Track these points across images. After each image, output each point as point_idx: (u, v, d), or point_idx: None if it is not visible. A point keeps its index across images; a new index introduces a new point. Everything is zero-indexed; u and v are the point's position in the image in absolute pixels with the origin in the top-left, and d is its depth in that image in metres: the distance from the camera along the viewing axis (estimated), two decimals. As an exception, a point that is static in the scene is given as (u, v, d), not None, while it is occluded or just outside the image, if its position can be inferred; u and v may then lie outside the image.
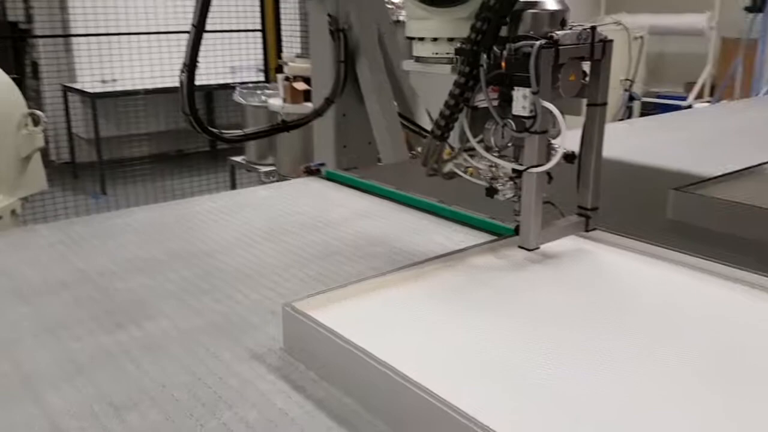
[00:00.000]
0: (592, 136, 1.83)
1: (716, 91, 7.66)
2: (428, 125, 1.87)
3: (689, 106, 7.29)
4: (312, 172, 3.02)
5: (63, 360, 1.46)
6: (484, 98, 1.69)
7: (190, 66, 2.83)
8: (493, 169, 1.75)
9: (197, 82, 2.86)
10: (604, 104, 1.83)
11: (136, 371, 1.42)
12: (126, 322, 1.63)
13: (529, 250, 1.73)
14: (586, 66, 1.77)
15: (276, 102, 5.14)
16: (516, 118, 1.66)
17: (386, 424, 1.21)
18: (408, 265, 1.69)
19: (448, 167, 1.83)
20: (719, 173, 2.42)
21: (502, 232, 2.12)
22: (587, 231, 1.87)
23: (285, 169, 4.63)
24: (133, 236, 2.25)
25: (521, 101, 1.64)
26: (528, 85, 1.56)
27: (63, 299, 1.76)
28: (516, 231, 1.80)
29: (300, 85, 4.77)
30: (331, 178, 2.94)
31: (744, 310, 1.47)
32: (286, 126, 3.50)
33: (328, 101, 3.49)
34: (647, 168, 3.02)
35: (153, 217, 2.48)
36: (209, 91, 8.74)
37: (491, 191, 1.75)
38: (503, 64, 1.66)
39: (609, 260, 1.80)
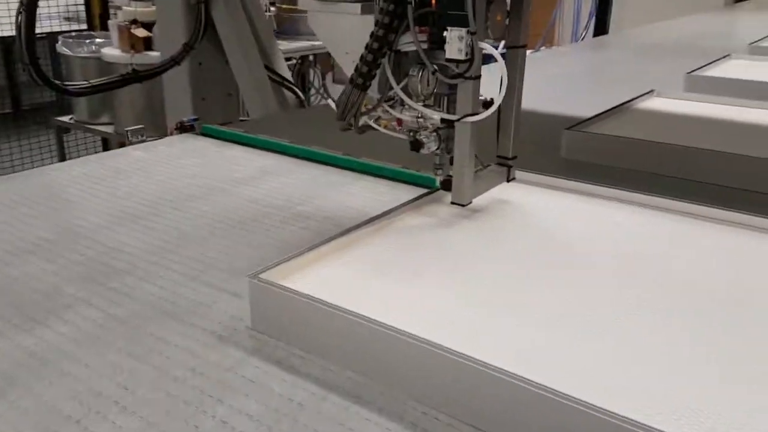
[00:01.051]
0: (513, 81, 1.80)
1: (538, 40, 8.17)
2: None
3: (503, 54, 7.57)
4: (186, 128, 2.74)
5: (-22, 373, 1.18)
6: (412, 40, 1.60)
7: (30, 4, 2.41)
8: (420, 120, 1.67)
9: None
10: (525, 47, 1.81)
11: (85, 372, 1.19)
12: (42, 316, 1.36)
13: (462, 205, 1.67)
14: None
15: (112, 52, 4.56)
16: (449, 62, 1.59)
17: (407, 393, 1.12)
18: (362, 223, 1.58)
19: (363, 120, 1.69)
20: (588, 115, 2.52)
21: (420, 183, 2.07)
22: (509, 181, 1.85)
23: (125, 127, 4.15)
24: (-1, 213, 1.90)
25: (456, 43, 1.54)
26: (464, 25, 1.46)
27: (-57, 298, 1.43)
28: (444, 186, 1.74)
29: (140, 32, 4.27)
30: (209, 134, 2.69)
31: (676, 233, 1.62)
32: (138, 76, 3.14)
33: (187, 47, 3.18)
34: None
35: (11, 189, 2.10)
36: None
37: (416, 144, 1.64)
38: (433, 1, 1.58)
39: (536, 200, 1.83)
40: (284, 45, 4.74)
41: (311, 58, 5.66)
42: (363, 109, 1.65)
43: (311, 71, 5.73)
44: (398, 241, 1.56)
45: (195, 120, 2.76)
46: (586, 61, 4.82)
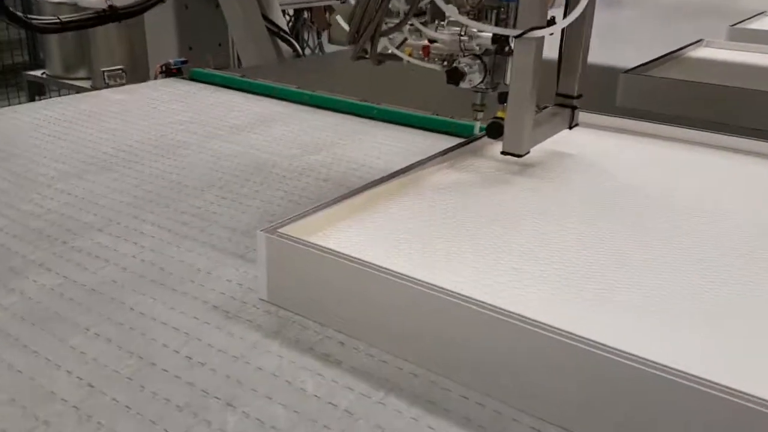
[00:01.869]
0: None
1: None
2: None
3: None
4: (172, 72, 2.36)
5: None
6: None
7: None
8: (464, 39, 1.25)
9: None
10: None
11: (33, 363, 0.84)
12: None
13: (518, 156, 1.29)
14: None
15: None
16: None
17: (468, 385, 0.78)
18: (384, 178, 1.20)
19: (382, 45, 1.31)
20: (630, 65, 2.20)
21: (455, 131, 1.72)
22: (571, 127, 1.48)
23: (102, 81, 3.75)
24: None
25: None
26: None
27: None
28: (492, 131, 1.31)
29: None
30: (198, 78, 2.31)
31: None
32: (115, 13, 2.72)
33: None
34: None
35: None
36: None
37: (455, 74, 1.24)
38: None
39: (603, 147, 1.48)
40: (279, -3, 4.33)
41: (306, 14, 5.24)
42: (384, 27, 1.25)
43: (305, 30, 5.32)
44: (439, 199, 1.20)
45: (183, 62, 2.38)
46: (605, 20, 4.48)
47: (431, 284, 0.82)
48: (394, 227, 1.06)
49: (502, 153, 1.30)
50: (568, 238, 1.04)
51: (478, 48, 1.24)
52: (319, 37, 5.38)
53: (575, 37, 1.42)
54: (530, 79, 1.23)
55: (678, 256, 0.98)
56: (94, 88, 4.29)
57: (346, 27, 1.25)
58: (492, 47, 1.25)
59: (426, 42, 1.30)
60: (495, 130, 1.31)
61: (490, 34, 1.23)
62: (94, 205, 1.30)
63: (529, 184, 1.26)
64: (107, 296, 0.99)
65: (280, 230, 0.96)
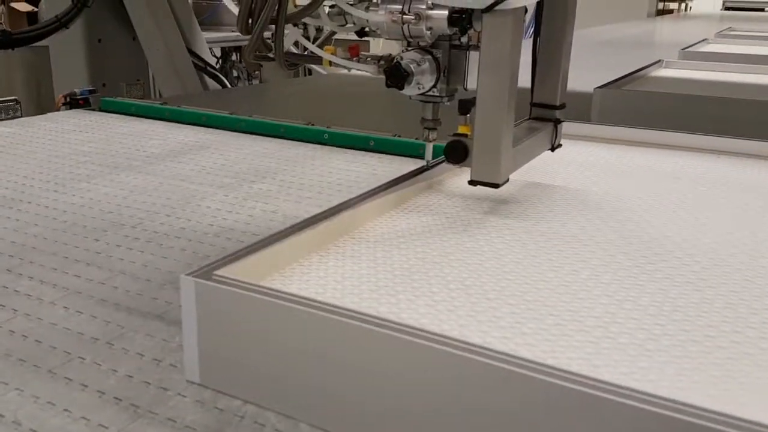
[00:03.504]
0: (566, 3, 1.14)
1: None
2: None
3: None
4: (77, 102, 2.00)
5: None
6: None
7: None
8: (410, 20, 0.86)
9: None
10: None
11: None
12: None
13: (495, 186, 0.90)
14: None
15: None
16: None
17: None
18: (341, 205, 0.87)
19: (290, 38, 0.92)
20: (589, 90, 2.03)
21: (409, 152, 1.44)
22: (553, 148, 1.12)
23: None
24: None
25: None
26: None
27: None
28: (453, 154, 0.91)
29: (23, 6, 3.41)
30: (110, 109, 1.95)
31: None
32: (9, 39, 2.33)
33: (78, 4, 2.39)
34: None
35: None
36: None
37: (396, 74, 0.85)
38: None
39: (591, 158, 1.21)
40: (205, 35, 4.01)
41: (234, 56, 4.94)
42: (292, 8, 0.88)
43: (234, 71, 5.01)
44: (409, 228, 0.89)
45: (91, 92, 2.02)
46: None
47: (479, 347, 0.51)
48: (369, 265, 0.75)
49: (471, 183, 0.91)
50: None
51: (428, 34, 0.87)
52: (249, 79, 5.08)
53: (556, 30, 1.11)
54: (507, 73, 0.86)
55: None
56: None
57: (234, 9, 0.88)
58: (448, 33, 0.87)
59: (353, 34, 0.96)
60: (456, 153, 0.91)
61: (446, 12, 0.85)
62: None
63: (513, 228, 0.86)
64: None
65: (217, 272, 0.63)
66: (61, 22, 2.24)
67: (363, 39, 0.98)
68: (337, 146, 1.56)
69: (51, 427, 0.58)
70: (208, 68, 3.25)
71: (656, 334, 0.60)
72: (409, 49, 0.89)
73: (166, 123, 1.80)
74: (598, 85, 1.92)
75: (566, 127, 1.22)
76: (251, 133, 1.68)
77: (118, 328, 0.75)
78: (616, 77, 2.11)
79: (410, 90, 0.88)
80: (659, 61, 2.58)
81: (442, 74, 0.90)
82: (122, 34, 2.91)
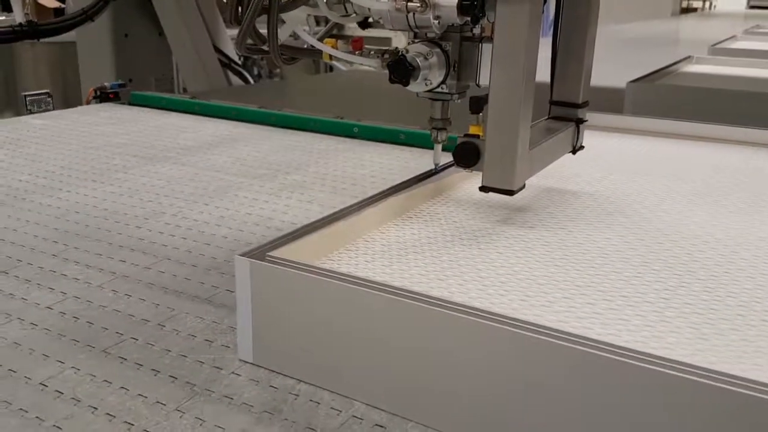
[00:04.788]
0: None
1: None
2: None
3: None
4: (107, 96, 2.02)
5: None
6: None
7: None
8: (418, 8, 0.77)
9: None
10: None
11: None
12: None
13: (510, 193, 0.81)
14: None
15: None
16: None
17: None
18: (382, 194, 0.87)
19: (287, 32, 0.87)
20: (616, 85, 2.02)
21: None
22: (575, 151, 1.01)
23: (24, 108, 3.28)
24: None
25: None
26: None
27: None
28: (463, 157, 0.83)
29: (50, 2, 3.45)
30: (140, 102, 1.97)
31: None
32: (35, 29, 2.35)
33: (104, -2, 2.39)
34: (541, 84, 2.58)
35: None
36: None
37: (402, 68, 0.78)
38: None
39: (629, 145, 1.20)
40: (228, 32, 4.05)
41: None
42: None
43: (255, 68, 5.03)
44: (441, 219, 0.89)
45: (121, 86, 2.04)
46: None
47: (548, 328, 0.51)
48: (416, 249, 0.75)
49: (482, 189, 0.82)
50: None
51: (436, 24, 0.78)
52: (270, 76, 5.11)
53: (578, 20, 1.01)
54: (523, 67, 0.77)
55: None
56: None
57: None
58: (459, 23, 0.79)
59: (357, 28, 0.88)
60: (467, 155, 0.83)
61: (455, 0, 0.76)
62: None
63: (531, 238, 0.78)
64: (3, 368, 0.64)
65: (270, 254, 0.64)
66: (87, 15, 2.25)
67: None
68: (368, 139, 1.56)
69: (109, 404, 0.59)
70: (233, 65, 3.26)
71: (711, 318, 0.60)
72: (416, 41, 0.82)
73: (196, 117, 1.81)
74: (630, 80, 1.92)
75: (599, 118, 1.22)
76: (281, 126, 1.69)
77: (168, 310, 0.76)
78: (647, 73, 2.11)
79: (417, 86, 0.81)
80: (689, 57, 2.58)
81: (452, 69, 0.82)
82: (148, 29, 2.94)
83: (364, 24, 0.88)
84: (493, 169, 0.81)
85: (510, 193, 0.80)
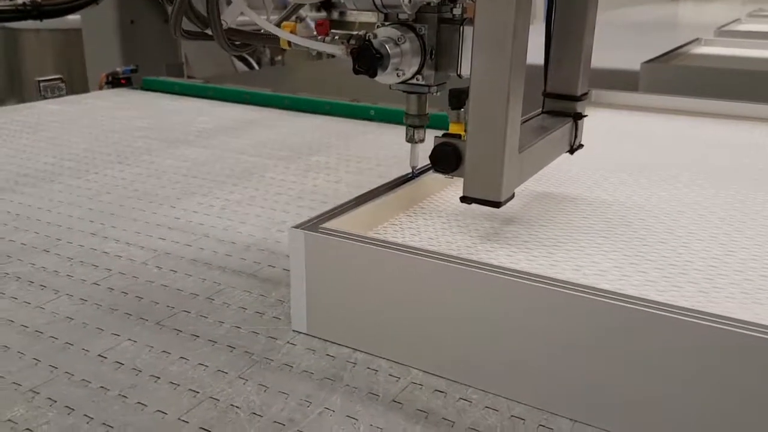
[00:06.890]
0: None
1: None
2: None
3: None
4: (119, 81, 2.02)
5: None
6: None
7: None
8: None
9: None
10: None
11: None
12: None
13: (496, 205, 0.68)
14: None
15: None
16: None
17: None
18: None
19: (230, 15, 0.79)
20: (626, 68, 2.06)
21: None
22: (573, 149, 0.88)
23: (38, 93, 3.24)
24: None
25: None
26: None
27: None
28: (441, 161, 0.70)
29: (54, -11, 3.45)
30: (153, 87, 1.97)
31: None
32: (38, 10, 2.33)
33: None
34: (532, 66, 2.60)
35: None
36: None
37: (367, 56, 0.66)
38: None
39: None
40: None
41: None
42: None
43: (259, 55, 5.01)
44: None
45: (133, 71, 2.05)
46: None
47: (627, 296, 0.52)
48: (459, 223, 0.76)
49: (463, 200, 0.69)
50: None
51: (407, 3, 0.67)
52: (272, 63, 5.10)
53: (575, 15, 0.85)
54: (508, 55, 0.64)
55: None
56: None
57: None
58: (436, 2, 0.69)
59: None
60: (446, 159, 0.70)
61: None
62: (34, 222, 0.96)
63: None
64: (60, 341, 0.65)
65: (323, 226, 0.65)
66: (93, -4, 2.24)
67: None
68: (385, 122, 1.57)
69: (171, 373, 0.61)
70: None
71: (763, 285, 0.62)
72: (386, 24, 0.70)
73: (210, 101, 1.82)
74: (642, 62, 1.93)
75: (614, 96, 1.23)
76: (294, 110, 1.69)
77: (215, 285, 0.77)
78: (657, 55, 2.13)
79: (387, 77, 0.68)
80: (697, 39, 2.61)
81: (428, 57, 0.70)
82: (154, 16, 2.93)
83: (327, 4, 0.80)
84: (475, 176, 0.68)
85: (496, 204, 0.68)
